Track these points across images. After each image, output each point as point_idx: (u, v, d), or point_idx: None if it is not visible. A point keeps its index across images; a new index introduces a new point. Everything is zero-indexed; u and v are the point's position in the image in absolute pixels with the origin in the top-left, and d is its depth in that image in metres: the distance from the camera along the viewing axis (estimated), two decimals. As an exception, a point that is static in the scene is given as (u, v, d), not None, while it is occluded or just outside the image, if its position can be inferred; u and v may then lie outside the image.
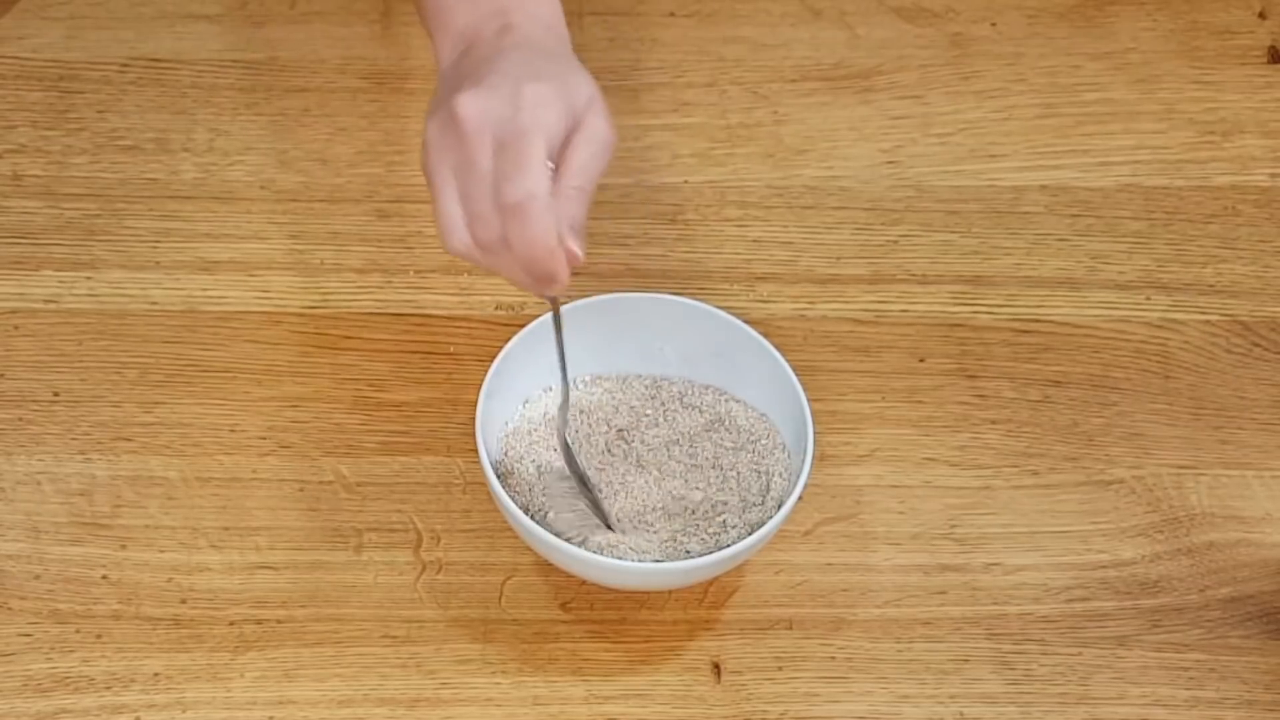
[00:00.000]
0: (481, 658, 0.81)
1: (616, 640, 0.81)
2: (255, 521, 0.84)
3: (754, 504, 0.81)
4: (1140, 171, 1.01)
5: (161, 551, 0.83)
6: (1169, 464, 0.89)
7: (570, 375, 0.82)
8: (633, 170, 1.00)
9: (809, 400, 0.81)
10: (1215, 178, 1.01)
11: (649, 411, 0.85)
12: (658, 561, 0.78)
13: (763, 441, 0.83)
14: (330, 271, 0.94)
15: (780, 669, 0.81)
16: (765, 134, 1.02)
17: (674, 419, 0.85)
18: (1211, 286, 0.96)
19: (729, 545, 0.77)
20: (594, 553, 0.78)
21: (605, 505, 0.81)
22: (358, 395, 0.89)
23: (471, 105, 0.72)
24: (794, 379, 0.82)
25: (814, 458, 0.79)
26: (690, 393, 0.86)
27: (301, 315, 0.92)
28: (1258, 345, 0.94)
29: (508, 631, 0.81)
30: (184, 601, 0.82)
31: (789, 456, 0.82)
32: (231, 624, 0.81)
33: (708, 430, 0.84)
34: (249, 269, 0.94)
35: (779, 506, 0.79)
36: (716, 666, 0.81)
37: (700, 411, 0.85)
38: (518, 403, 0.84)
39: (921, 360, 0.92)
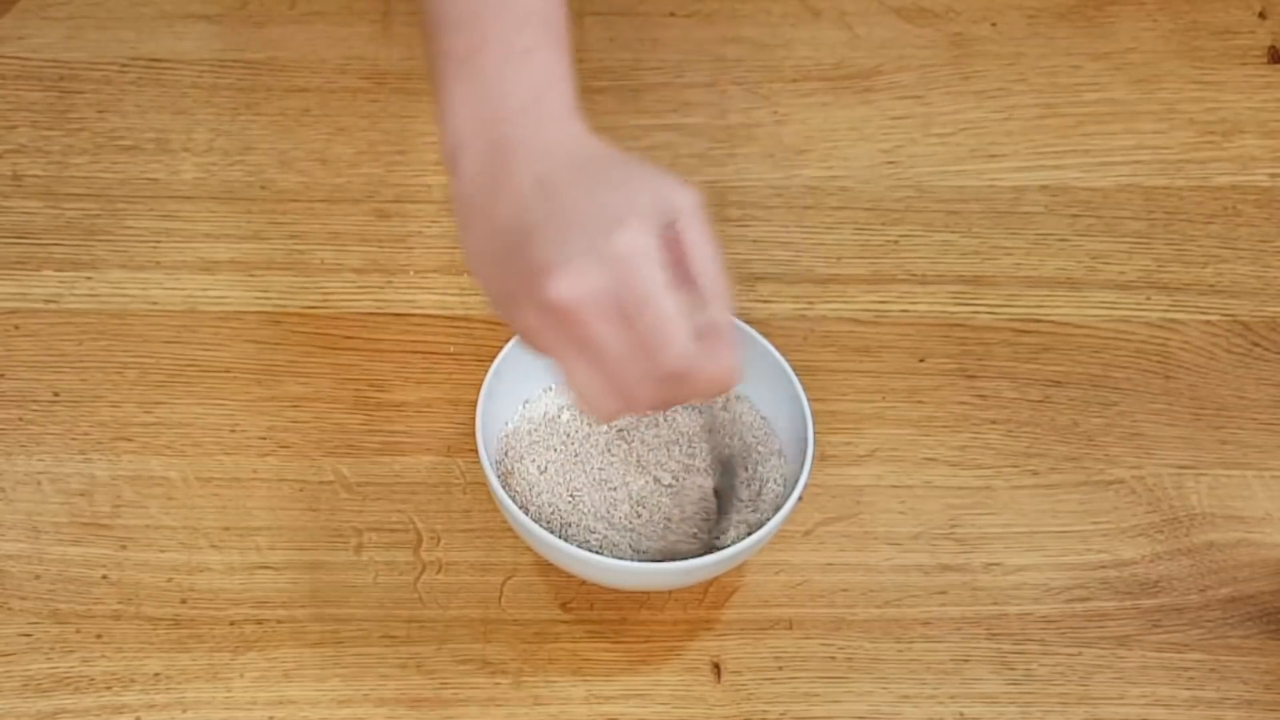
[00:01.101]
0: (481, 658, 0.81)
1: (616, 640, 0.81)
2: (255, 521, 0.85)
3: (753, 505, 0.81)
4: (1140, 171, 1.01)
5: (161, 551, 0.83)
6: (1169, 464, 0.89)
7: None
8: (633, 170, 0.99)
9: (809, 400, 0.81)
10: (1215, 178, 1.01)
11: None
12: (657, 561, 0.78)
13: (763, 443, 0.83)
14: (330, 271, 0.94)
15: (780, 669, 0.81)
16: (765, 134, 1.02)
17: (674, 419, 0.85)
18: (1211, 286, 0.96)
19: (729, 545, 0.77)
20: (594, 553, 0.78)
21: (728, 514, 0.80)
22: (358, 395, 0.89)
23: (567, 290, 0.64)
24: (794, 379, 0.82)
25: (814, 458, 0.79)
26: None
27: (301, 315, 0.92)
28: (1258, 345, 0.94)
29: (508, 631, 0.81)
30: (184, 601, 0.82)
31: (788, 457, 0.82)
32: (231, 624, 0.81)
33: (707, 431, 0.84)
34: (249, 269, 0.94)
35: (778, 507, 0.79)
36: (716, 666, 0.81)
37: (700, 412, 0.85)
38: (518, 403, 0.84)
39: (921, 360, 0.92)
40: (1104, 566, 0.85)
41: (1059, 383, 0.92)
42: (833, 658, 0.81)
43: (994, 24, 1.09)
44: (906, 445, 0.89)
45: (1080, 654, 0.82)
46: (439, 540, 0.84)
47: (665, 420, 0.84)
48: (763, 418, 0.84)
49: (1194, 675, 0.81)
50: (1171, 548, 0.86)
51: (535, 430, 0.84)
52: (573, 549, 0.76)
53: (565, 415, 0.84)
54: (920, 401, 0.91)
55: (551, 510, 0.80)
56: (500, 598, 0.83)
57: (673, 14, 1.08)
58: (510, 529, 0.81)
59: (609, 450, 0.83)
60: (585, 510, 0.81)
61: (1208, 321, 0.95)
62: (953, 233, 0.98)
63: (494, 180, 0.69)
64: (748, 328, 0.84)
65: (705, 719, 0.79)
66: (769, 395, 0.84)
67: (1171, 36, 1.08)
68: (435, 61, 0.73)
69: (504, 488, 0.79)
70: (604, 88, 1.04)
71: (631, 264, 0.63)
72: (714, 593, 0.83)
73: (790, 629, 0.82)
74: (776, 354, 0.83)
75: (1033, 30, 1.08)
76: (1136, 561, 0.85)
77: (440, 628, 0.81)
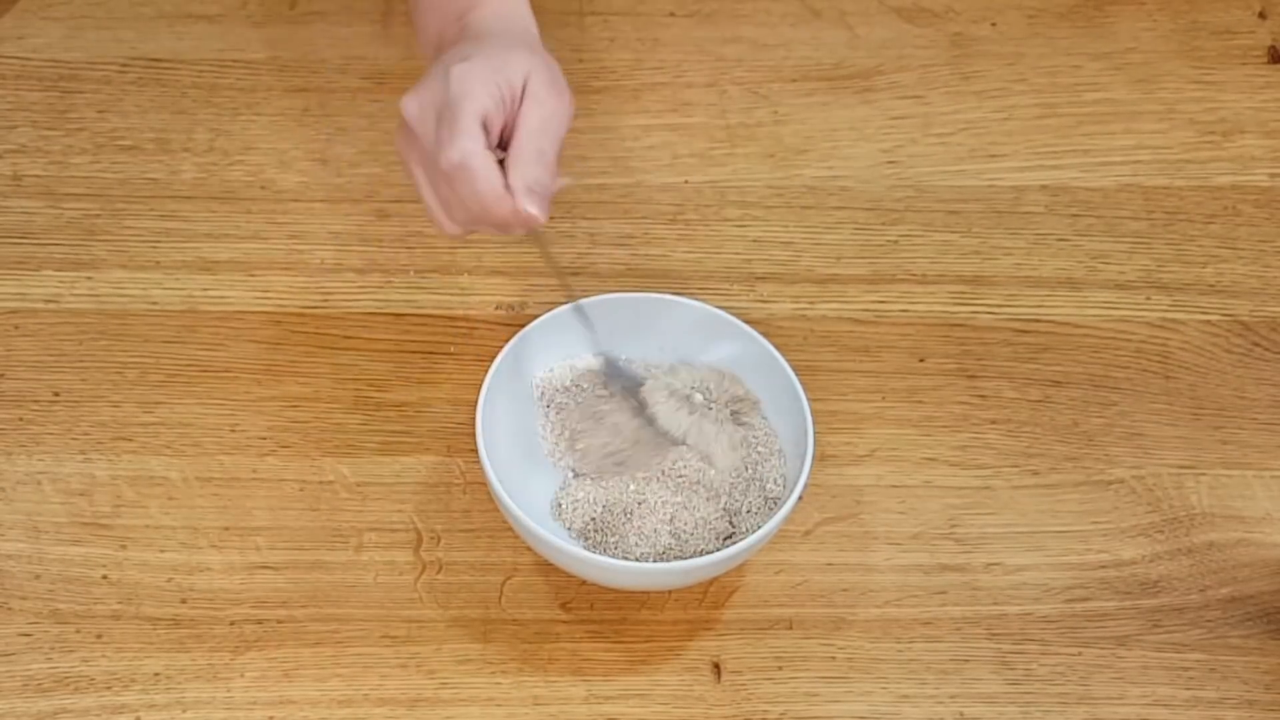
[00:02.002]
0: (481, 658, 0.81)
1: (616, 640, 0.81)
2: (255, 521, 0.85)
3: (754, 505, 0.81)
4: (1140, 171, 1.01)
5: (161, 551, 0.83)
6: (1169, 464, 0.89)
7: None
8: (633, 170, 1.00)
9: (809, 400, 0.81)
10: (1215, 178, 1.01)
11: None
12: (657, 562, 0.78)
13: (763, 443, 0.83)
14: (330, 271, 0.94)
15: (780, 669, 0.81)
16: (765, 134, 1.02)
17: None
18: (1211, 286, 0.96)
19: (729, 545, 0.77)
20: (594, 553, 0.78)
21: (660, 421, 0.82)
22: (358, 395, 0.89)
23: (410, 102, 0.77)
24: (794, 379, 0.82)
25: (814, 458, 0.79)
26: None
27: (301, 315, 0.92)
28: (1258, 345, 0.94)
29: (508, 631, 0.81)
30: (184, 601, 0.82)
31: (788, 457, 0.83)
32: (231, 624, 0.81)
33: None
34: (249, 269, 0.94)
35: (778, 507, 0.79)
36: (716, 666, 0.81)
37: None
38: (521, 398, 0.84)
39: (921, 360, 0.92)
40: (1104, 566, 0.85)
41: (1059, 383, 0.92)
42: (833, 658, 0.81)
43: (994, 24, 1.09)
44: (906, 445, 0.89)
45: (1080, 654, 0.82)
46: (439, 540, 0.84)
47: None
48: (763, 418, 0.84)
49: (1194, 675, 0.81)
50: (1171, 548, 0.86)
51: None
52: (573, 549, 0.76)
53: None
54: (920, 401, 0.91)
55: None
56: (500, 598, 0.83)
57: (673, 14, 1.08)
58: (510, 529, 0.81)
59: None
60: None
61: (1208, 321, 0.95)
62: (953, 233, 0.98)
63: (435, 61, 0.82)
64: (748, 328, 0.84)
65: (705, 719, 0.79)
66: (769, 395, 0.84)
67: (1171, 36, 1.08)
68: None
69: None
70: (604, 88, 1.04)
71: (454, 84, 0.76)
72: (714, 593, 0.83)
73: (790, 629, 0.82)
74: (776, 354, 0.83)
75: (1033, 30, 1.09)
76: (1136, 561, 0.85)
77: (440, 628, 0.81)
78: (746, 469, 0.82)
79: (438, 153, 0.76)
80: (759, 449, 0.83)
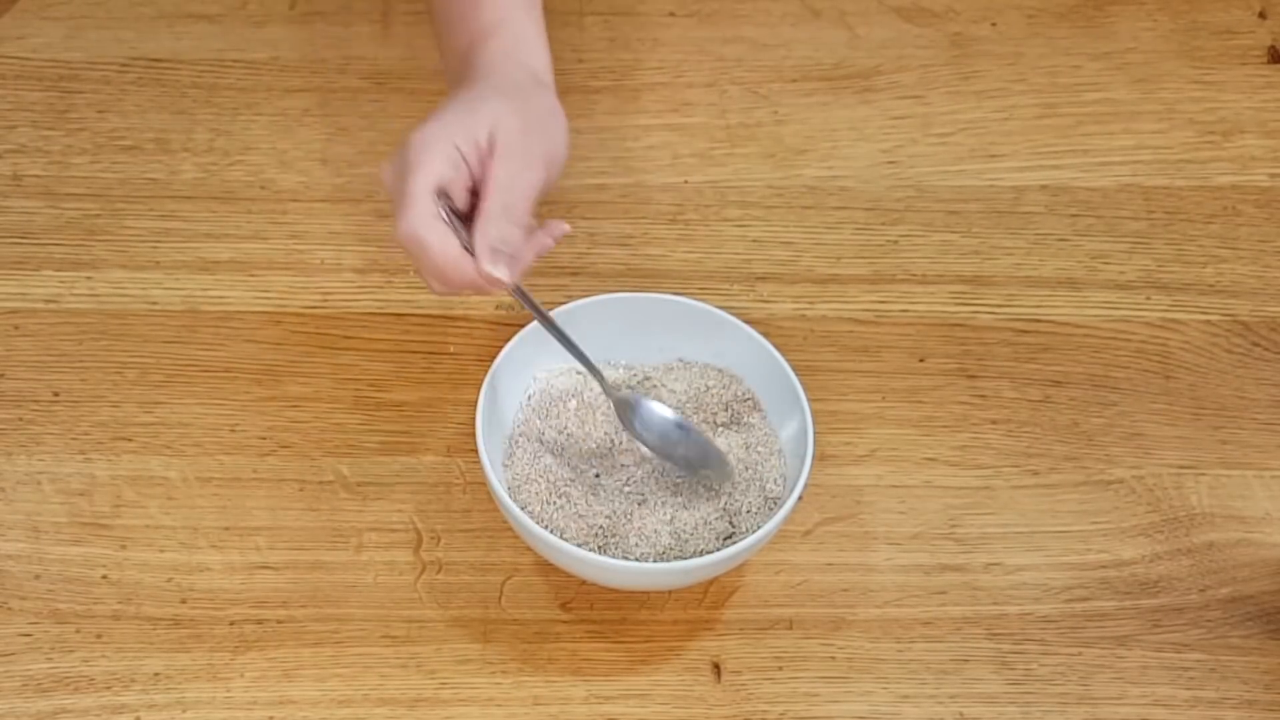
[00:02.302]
0: (481, 658, 0.81)
1: (616, 640, 0.81)
2: (255, 521, 0.85)
3: (754, 505, 0.81)
4: (1140, 171, 1.01)
5: (161, 551, 0.83)
6: (1169, 464, 0.89)
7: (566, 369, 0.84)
8: (633, 170, 1.00)
9: (809, 400, 0.81)
10: (1215, 178, 1.01)
11: None
12: (658, 562, 0.78)
13: (762, 442, 0.83)
14: (330, 271, 0.94)
15: (780, 669, 0.81)
16: (765, 134, 1.02)
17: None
18: (1211, 286, 0.96)
19: (729, 545, 0.77)
20: (594, 553, 0.78)
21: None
22: (358, 395, 0.89)
23: (385, 170, 0.79)
24: (794, 378, 0.82)
25: (814, 457, 0.79)
26: None
27: (301, 315, 0.92)
28: (1258, 345, 0.94)
29: (508, 631, 0.81)
30: (184, 601, 0.82)
31: (788, 457, 0.83)
32: (231, 624, 0.81)
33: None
34: (249, 269, 0.94)
35: (778, 507, 0.79)
36: (716, 666, 0.81)
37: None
38: (520, 398, 0.84)
39: (921, 360, 0.92)
40: (1104, 566, 0.85)
41: (1059, 383, 0.92)
42: (833, 658, 0.81)
43: (994, 24, 1.09)
44: (906, 445, 0.89)
45: (1080, 654, 0.82)
46: (439, 540, 0.84)
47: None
48: (763, 417, 0.84)
49: (1194, 675, 0.81)
50: (1171, 548, 0.86)
51: (549, 408, 0.84)
52: (573, 549, 0.76)
53: (573, 404, 0.84)
54: (920, 401, 0.91)
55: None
56: (500, 598, 0.83)
57: (673, 14, 1.08)
58: (510, 529, 0.81)
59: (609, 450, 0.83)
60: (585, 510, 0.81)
61: (1208, 321, 0.95)
62: (953, 233, 0.98)
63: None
64: (748, 327, 0.84)
65: (705, 719, 0.79)
66: (769, 395, 0.84)
67: (1171, 36, 1.08)
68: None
69: (506, 487, 0.79)
70: (604, 88, 1.04)
71: (411, 155, 0.76)
72: (714, 593, 0.83)
73: (790, 629, 0.82)
74: (776, 353, 0.83)
75: (1033, 30, 1.09)
76: (1136, 561, 0.85)
77: (440, 628, 0.81)
78: (746, 469, 0.82)
79: (394, 226, 0.76)
80: (759, 449, 0.83)
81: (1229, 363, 0.93)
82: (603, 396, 0.84)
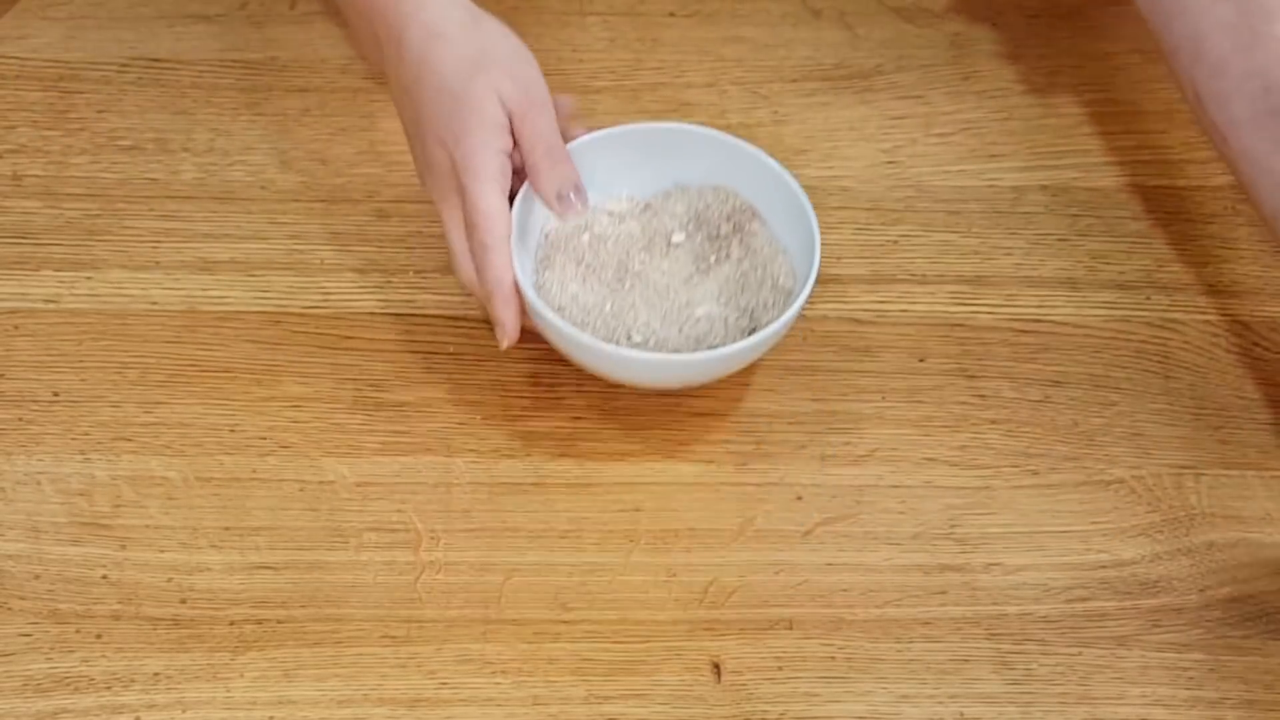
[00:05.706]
0: (481, 658, 0.81)
1: (616, 640, 0.81)
2: (255, 521, 0.85)
3: (769, 299, 0.86)
4: (1140, 171, 1.01)
5: (161, 551, 0.83)
6: (1169, 464, 0.89)
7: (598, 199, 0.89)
8: (633, 170, 1.00)
9: (820, 233, 0.85)
10: (1215, 178, 1.01)
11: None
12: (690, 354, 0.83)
13: (767, 244, 0.88)
14: (330, 271, 0.94)
15: (780, 669, 0.81)
16: (765, 134, 1.02)
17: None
18: (1211, 286, 0.96)
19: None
20: (632, 349, 0.82)
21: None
22: (358, 395, 0.89)
23: (427, 186, 0.85)
24: (795, 185, 0.86)
25: (816, 279, 0.83)
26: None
27: (301, 315, 0.92)
28: (1258, 345, 0.94)
29: (508, 631, 0.81)
30: (184, 601, 0.82)
31: (795, 256, 0.87)
32: (231, 624, 0.81)
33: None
34: (249, 269, 0.94)
35: (792, 299, 0.83)
36: (716, 666, 0.81)
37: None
38: (535, 253, 0.87)
39: (921, 360, 0.92)
40: (1104, 566, 0.85)
41: (1059, 383, 0.92)
42: (833, 658, 0.81)
43: (994, 24, 1.09)
44: (906, 445, 0.89)
45: (1080, 654, 0.82)
46: (439, 540, 0.84)
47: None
48: (763, 224, 0.88)
49: (1194, 675, 0.81)
50: (1171, 548, 0.86)
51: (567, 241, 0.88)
52: (610, 347, 0.80)
53: (585, 237, 0.88)
54: (920, 401, 0.91)
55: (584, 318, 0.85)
56: (500, 598, 0.83)
57: (673, 14, 1.08)
58: (511, 529, 0.81)
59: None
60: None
61: (1207, 321, 0.95)
62: (953, 233, 0.98)
63: (393, 72, 0.86)
64: (758, 151, 0.88)
65: (705, 719, 0.79)
66: (771, 206, 0.88)
67: (1171, 36, 1.08)
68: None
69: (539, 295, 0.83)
70: (604, 88, 1.04)
71: (461, 160, 0.81)
72: (714, 593, 0.83)
73: (790, 629, 0.82)
74: (773, 162, 0.87)
75: (1033, 30, 1.08)
76: (1136, 561, 0.85)
77: (440, 628, 0.81)
78: (755, 270, 0.87)
79: (478, 274, 0.82)
80: (764, 250, 0.87)
81: (1229, 363, 0.93)
82: (613, 225, 0.88)
